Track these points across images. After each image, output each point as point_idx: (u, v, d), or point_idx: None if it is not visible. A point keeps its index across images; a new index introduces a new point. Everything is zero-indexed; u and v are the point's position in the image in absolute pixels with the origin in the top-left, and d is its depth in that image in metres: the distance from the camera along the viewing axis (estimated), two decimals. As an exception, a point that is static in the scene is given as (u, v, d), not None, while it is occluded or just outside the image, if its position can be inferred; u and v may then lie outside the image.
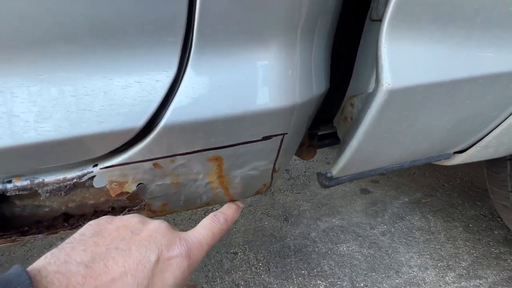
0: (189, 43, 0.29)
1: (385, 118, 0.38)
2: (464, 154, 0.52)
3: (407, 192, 1.39)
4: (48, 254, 0.23)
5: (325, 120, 0.63)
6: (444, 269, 0.99)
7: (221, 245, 1.19)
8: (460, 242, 1.09)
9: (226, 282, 1.03)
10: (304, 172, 1.68)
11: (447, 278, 0.96)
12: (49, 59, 0.27)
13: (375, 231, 1.19)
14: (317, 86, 0.41)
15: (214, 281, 1.03)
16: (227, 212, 0.37)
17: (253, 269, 1.08)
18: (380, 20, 0.43)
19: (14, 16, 0.25)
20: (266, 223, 1.29)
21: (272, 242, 1.19)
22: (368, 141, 0.42)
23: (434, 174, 1.50)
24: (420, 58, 0.35)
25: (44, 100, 0.28)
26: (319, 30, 0.40)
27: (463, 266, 0.99)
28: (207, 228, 0.32)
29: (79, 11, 0.26)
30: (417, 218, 1.23)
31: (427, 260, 1.03)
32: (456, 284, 0.93)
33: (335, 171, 0.48)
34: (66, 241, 0.25)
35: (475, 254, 1.03)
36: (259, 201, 1.43)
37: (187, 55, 0.30)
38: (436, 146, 0.48)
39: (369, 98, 0.43)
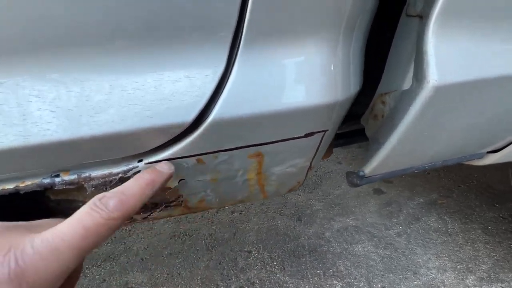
0: (238, 39, 0.29)
1: (426, 117, 0.38)
2: (498, 153, 0.51)
3: (422, 193, 1.38)
4: None
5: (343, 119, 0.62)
6: (464, 272, 0.98)
7: (234, 243, 1.19)
8: (479, 245, 1.07)
9: (241, 280, 1.03)
10: (316, 171, 1.67)
11: (467, 281, 0.94)
12: (103, 54, 0.27)
13: (390, 232, 1.18)
14: (354, 84, 0.40)
15: (229, 279, 1.03)
16: (127, 189, 0.25)
17: (268, 268, 1.07)
18: (418, 16, 0.42)
19: (76, 12, 0.25)
20: (279, 222, 1.29)
21: (286, 241, 1.19)
22: (407, 139, 0.41)
23: (449, 175, 1.47)
24: (467, 54, 0.35)
25: (98, 95, 0.28)
26: (358, 28, 0.39)
27: (483, 269, 0.98)
28: (75, 222, 0.21)
29: (135, 6, 0.26)
30: (433, 219, 1.21)
31: (446, 262, 1.02)
32: (477, 287, 0.92)
33: (368, 169, 0.47)
34: None
35: (495, 257, 1.02)
36: (270, 200, 1.43)
37: (236, 50, 0.30)
38: (472, 144, 0.47)
39: (406, 95, 0.42)
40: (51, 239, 0.20)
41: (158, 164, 0.31)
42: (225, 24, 0.28)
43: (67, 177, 0.32)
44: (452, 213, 1.23)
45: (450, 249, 1.07)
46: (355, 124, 0.66)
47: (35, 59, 0.26)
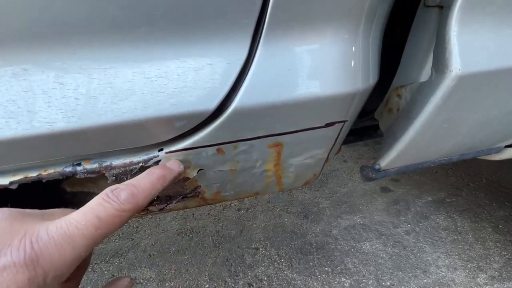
0: (261, 26, 0.29)
1: (448, 107, 0.37)
2: (516, 148, 0.50)
3: (430, 191, 1.36)
4: None
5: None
6: (474, 270, 0.96)
7: (241, 240, 1.19)
8: (490, 243, 1.06)
9: (249, 277, 1.03)
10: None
11: (478, 279, 0.93)
12: (126, 42, 0.27)
13: (398, 230, 1.17)
14: (373, 74, 0.40)
15: (237, 276, 1.03)
16: (139, 182, 0.25)
17: (276, 265, 1.07)
18: (438, 6, 0.42)
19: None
20: (285, 219, 1.29)
21: (293, 239, 1.18)
22: (425, 132, 0.41)
23: (458, 174, 1.46)
24: (490, 43, 0.34)
25: (120, 82, 0.28)
26: (378, 18, 0.39)
27: (494, 268, 0.96)
28: (89, 211, 0.22)
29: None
30: (442, 217, 1.20)
31: (456, 261, 1.00)
32: (488, 286, 0.91)
33: (384, 163, 0.47)
34: None
35: (507, 256, 1.00)
36: (277, 198, 1.43)
37: (258, 38, 0.29)
38: (491, 137, 0.46)
39: (424, 88, 0.42)
40: (66, 227, 0.21)
41: (169, 162, 0.32)
42: (248, 11, 0.28)
43: (88, 166, 0.32)
44: (462, 212, 1.22)
45: (460, 248, 1.05)
46: (365, 120, 0.66)
47: (60, 47, 0.26)
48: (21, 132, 0.27)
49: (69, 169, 0.31)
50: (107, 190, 0.24)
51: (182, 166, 0.32)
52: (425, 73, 0.45)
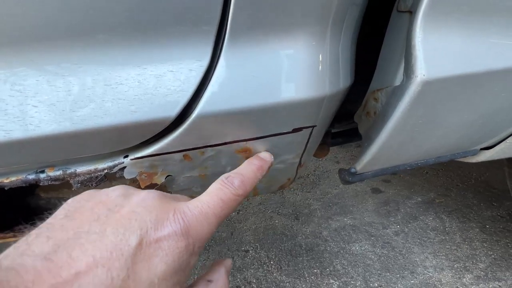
0: (223, 32, 0.29)
1: (416, 111, 0.38)
2: (491, 150, 0.51)
3: (420, 192, 1.37)
4: (16, 243, 0.18)
5: (338, 118, 0.62)
6: (461, 271, 0.97)
7: (231, 243, 1.18)
8: (477, 243, 1.07)
9: (238, 280, 1.03)
10: (314, 170, 1.67)
11: (464, 279, 0.94)
12: (84, 48, 0.27)
13: (388, 230, 1.18)
14: (344, 79, 0.40)
15: (226, 279, 1.03)
16: (244, 171, 0.29)
17: (265, 267, 1.07)
18: (408, 12, 0.42)
19: (53, 5, 0.25)
20: (276, 221, 1.29)
21: (283, 241, 1.18)
22: (397, 136, 0.41)
23: (448, 174, 1.47)
24: (455, 49, 0.34)
25: (80, 89, 0.28)
26: (348, 22, 0.39)
27: (480, 268, 0.97)
28: (214, 194, 0.25)
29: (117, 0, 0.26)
30: (431, 218, 1.21)
31: (443, 261, 1.01)
32: (474, 286, 0.91)
33: (359, 166, 0.47)
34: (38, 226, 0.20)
35: (493, 256, 1.01)
36: (269, 199, 1.43)
37: (220, 44, 0.29)
38: (465, 141, 0.47)
39: (397, 91, 0.42)
40: (201, 206, 0.24)
41: (261, 153, 0.35)
42: (209, 17, 0.28)
43: (52, 173, 0.31)
44: (450, 212, 1.23)
45: (447, 248, 1.06)
46: (352, 122, 0.66)
47: (15, 53, 0.26)
48: (-22, 141, 0.26)
49: (32, 176, 0.31)
50: (222, 177, 0.28)
51: (272, 157, 0.35)
52: (399, 77, 0.46)
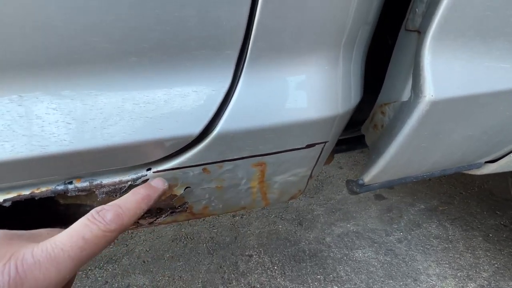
0: (244, 56, 0.31)
1: (424, 129, 0.39)
2: (495, 164, 0.52)
3: (423, 199, 1.38)
4: None
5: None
6: (464, 279, 0.98)
7: (235, 247, 1.20)
8: (480, 252, 1.07)
9: (242, 284, 1.04)
10: (317, 176, 1.68)
11: (467, 288, 0.95)
12: (117, 70, 0.29)
13: (391, 238, 1.19)
14: (355, 96, 0.42)
15: (230, 283, 1.04)
16: (123, 203, 0.26)
17: (269, 272, 1.08)
18: (416, 31, 0.44)
19: (90, 29, 0.27)
20: (280, 226, 1.30)
21: (287, 246, 1.19)
22: (404, 151, 0.43)
23: (451, 182, 1.48)
24: (461, 70, 0.36)
25: (110, 108, 0.30)
26: (359, 42, 0.41)
27: (484, 277, 0.98)
28: (75, 232, 0.22)
29: (149, 27, 0.27)
30: (434, 226, 1.22)
31: (446, 269, 1.02)
32: (477, 295, 0.92)
33: (367, 178, 0.49)
34: None
35: (496, 265, 1.02)
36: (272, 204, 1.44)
37: (241, 67, 0.31)
38: (470, 155, 0.48)
39: (404, 108, 0.44)
40: (51, 249, 0.21)
41: (154, 180, 0.33)
42: (232, 43, 0.30)
43: (79, 184, 0.33)
44: (453, 220, 1.24)
45: (450, 256, 1.07)
46: (357, 130, 0.68)
47: (54, 75, 0.28)
48: (15, 155, 0.28)
49: (61, 187, 0.33)
50: (93, 211, 0.25)
51: (166, 184, 0.33)
52: (407, 93, 0.47)
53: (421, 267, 1.04)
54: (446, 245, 1.12)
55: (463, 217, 1.25)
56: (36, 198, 0.33)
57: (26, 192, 0.33)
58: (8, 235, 0.22)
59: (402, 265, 1.06)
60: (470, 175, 1.58)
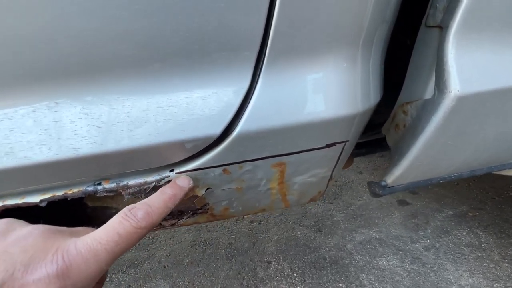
0: (262, 57, 0.32)
1: (450, 126, 0.38)
2: (532, 163, 0.49)
3: (451, 205, 1.30)
4: None
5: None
6: (501, 291, 0.90)
7: (254, 253, 1.19)
8: (518, 262, 0.99)
9: (262, 291, 1.02)
10: (336, 181, 1.64)
11: (506, 300, 0.87)
12: (142, 76, 0.31)
13: (417, 245, 1.13)
14: (375, 95, 0.41)
15: (249, 290, 1.03)
16: (152, 202, 0.28)
17: (288, 279, 1.06)
18: (438, 27, 0.42)
19: (119, 39, 0.29)
20: (298, 232, 1.28)
21: (306, 253, 1.17)
22: (430, 149, 0.41)
23: (481, 186, 1.38)
24: (488, 63, 0.35)
25: (136, 111, 0.31)
26: (377, 40, 0.40)
27: (524, 289, 0.90)
28: (111, 228, 0.24)
29: (172, 34, 0.29)
30: (464, 233, 1.14)
31: (480, 280, 0.95)
32: (517, 308, 0.84)
33: (390, 179, 0.47)
34: None
35: (537, 276, 0.93)
36: (290, 210, 1.42)
37: (260, 68, 0.32)
38: (501, 154, 0.45)
39: (428, 105, 0.42)
40: (91, 243, 0.24)
41: (179, 179, 0.34)
42: (250, 45, 0.31)
43: (107, 185, 0.35)
44: (486, 227, 1.15)
45: (484, 266, 0.99)
46: (376, 133, 0.66)
47: (86, 83, 0.30)
48: (52, 157, 0.30)
49: (90, 188, 0.35)
50: (125, 209, 0.27)
51: (191, 182, 0.34)
52: (429, 91, 0.46)
53: (452, 277, 0.97)
54: (479, 254, 1.04)
55: (497, 223, 1.16)
56: (69, 199, 0.35)
57: (59, 193, 0.35)
58: (52, 230, 0.25)
59: (431, 275, 0.99)
60: (503, 179, 1.47)
